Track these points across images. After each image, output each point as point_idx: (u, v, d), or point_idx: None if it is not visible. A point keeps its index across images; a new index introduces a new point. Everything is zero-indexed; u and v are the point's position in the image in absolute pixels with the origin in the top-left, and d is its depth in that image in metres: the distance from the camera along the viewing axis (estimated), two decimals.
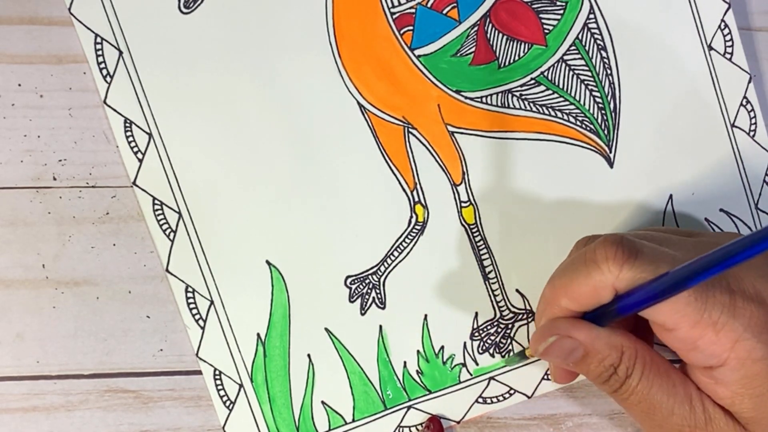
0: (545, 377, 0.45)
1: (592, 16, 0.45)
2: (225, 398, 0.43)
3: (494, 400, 0.45)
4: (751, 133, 0.46)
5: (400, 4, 0.44)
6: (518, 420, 0.46)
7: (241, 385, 0.43)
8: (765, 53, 0.47)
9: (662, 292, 0.34)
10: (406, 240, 0.44)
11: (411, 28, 0.44)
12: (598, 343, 0.38)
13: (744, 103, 0.46)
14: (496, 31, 0.44)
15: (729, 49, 0.45)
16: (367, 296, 0.44)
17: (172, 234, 0.43)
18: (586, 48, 0.45)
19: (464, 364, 0.45)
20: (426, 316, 0.44)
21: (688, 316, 0.35)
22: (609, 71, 0.45)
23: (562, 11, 0.44)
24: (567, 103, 0.45)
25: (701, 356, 0.36)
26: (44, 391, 0.43)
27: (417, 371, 0.44)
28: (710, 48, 0.45)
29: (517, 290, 0.45)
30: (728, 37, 0.45)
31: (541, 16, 0.44)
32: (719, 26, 0.45)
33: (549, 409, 0.45)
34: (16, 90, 0.43)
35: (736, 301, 0.35)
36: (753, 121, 0.46)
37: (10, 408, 0.43)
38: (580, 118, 0.45)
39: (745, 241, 0.31)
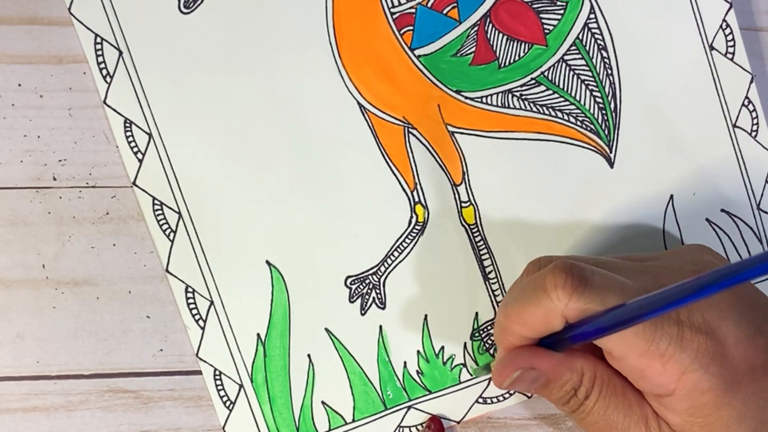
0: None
1: (592, 15, 0.45)
2: (225, 398, 0.44)
3: (494, 400, 0.46)
4: (753, 134, 0.46)
5: (400, 4, 0.44)
6: (518, 420, 0.47)
7: (241, 386, 0.44)
8: None
9: (612, 326, 0.36)
10: (407, 240, 0.45)
11: (411, 28, 0.44)
12: (558, 369, 0.39)
13: (746, 103, 0.46)
14: (497, 31, 0.45)
15: (731, 49, 0.46)
16: (367, 296, 0.45)
17: (172, 234, 0.44)
18: (587, 48, 0.45)
19: (464, 365, 0.45)
20: (426, 316, 0.45)
21: (636, 345, 0.36)
22: (609, 71, 0.45)
23: (562, 11, 0.45)
24: (567, 103, 0.45)
25: (649, 385, 0.37)
26: (44, 391, 0.44)
27: (417, 371, 0.45)
28: (712, 48, 0.46)
29: None
30: (730, 37, 0.46)
31: (542, 16, 0.45)
32: (720, 26, 0.46)
33: (549, 409, 0.46)
34: (16, 90, 0.44)
35: (684, 333, 0.36)
36: (755, 121, 0.46)
37: (10, 408, 0.44)
38: (580, 118, 0.45)
39: (692, 284, 0.32)
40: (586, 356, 0.39)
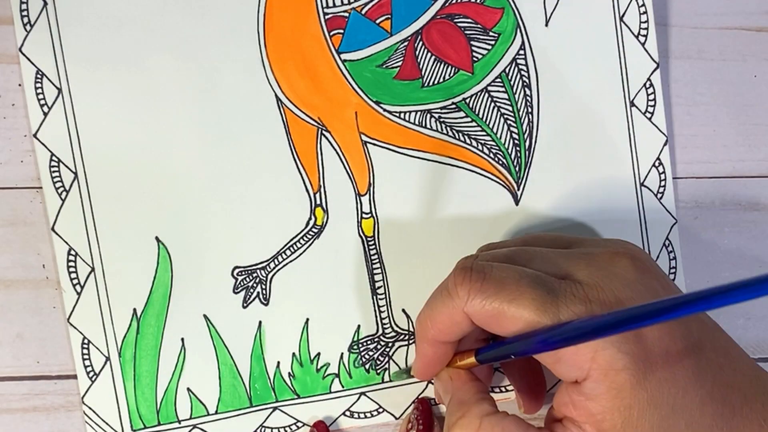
0: (414, 402, 0.46)
1: (522, 52, 0.46)
2: (89, 369, 0.44)
3: (362, 415, 0.46)
4: (659, 195, 0.47)
5: (334, 6, 0.45)
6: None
7: (108, 359, 0.44)
8: (765, 54, 0.49)
9: (546, 345, 0.36)
10: (301, 241, 0.45)
11: (341, 31, 0.45)
12: (451, 394, 0.41)
13: (656, 164, 0.47)
14: (426, 50, 0.45)
15: (650, 109, 0.47)
16: (252, 290, 0.45)
17: (64, 193, 0.44)
18: (512, 83, 0.46)
19: (338, 375, 0.45)
20: (308, 320, 0.45)
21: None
22: (530, 109, 0.46)
23: (493, 42, 0.46)
24: (484, 133, 0.46)
25: (565, 368, 0.37)
26: (44, 391, 0.45)
27: (289, 374, 0.45)
28: (632, 104, 0.47)
29: (403, 310, 0.46)
30: (651, 97, 0.47)
31: (473, 43, 0.46)
32: (644, 84, 0.47)
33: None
34: (16, 90, 0.45)
35: (593, 311, 0.37)
36: (662, 183, 0.48)
37: (10, 408, 0.45)
38: (494, 151, 0.46)
39: (604, 319, 0.34)
40: (479, 400, 0.40)
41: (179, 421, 0.45)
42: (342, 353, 0.46)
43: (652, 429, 0.36)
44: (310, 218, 0.46)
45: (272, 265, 0.46)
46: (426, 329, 0.40)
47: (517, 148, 0.47)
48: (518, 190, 0.47)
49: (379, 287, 0.46)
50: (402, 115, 0.46)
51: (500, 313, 0.37)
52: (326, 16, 0.45)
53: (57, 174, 0.44)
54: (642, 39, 0.47)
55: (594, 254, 0.40)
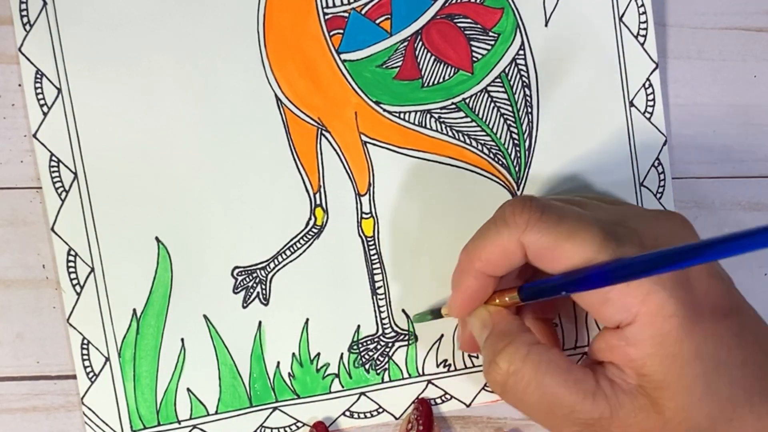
0: (413, 402, 0.46)
1: (521, 52, 0.46)
2: (89, 369, 0.44)
3: (362, 415, 0.46)
4: (658, 195, 0.48)
5: (334, 6, 0.45)
6: (518, 420, 0.49)
7: (107, 359, 0.44)
8: (765, 54, 0.50)
9: (612, 278, 0.35)
10: (301, 241, 0.45)
11: (341, 31, 0.45)
12: (493, 325, 0.40)
13: (656, 164, 0.48)
14: (425, 50, 0.46)
15: (650, 109, 0.48)
16: (251, 290, 0.45)
17: (64, 194, 0.44)
18: (511, 83, 0.46)
19: (338, 375, 0.46)
20: (308, 320, 0.46)
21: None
22: (530, 110, 0.47)
23: (493, 42, 0.46)
24: (483, 133, 0.46)
25: (612, 310, 0.37)
26: (44, 391, 0.45)
27: (289, 374, 0.45)
28: (631, 104, 0.47)
29: (403, 310, 0.47)
30: (651, 97, 0.48)
31: (472, 43, 0.46)
32: (644, 84, 0.48)
33: None
34: (16, 90, 0.45)
35: None
36: (661, 183, 0.48)
37: (10, 408, 0.45)
38: (494, 151, 0.46)
39: (691, 247, 0.33)
40: (523, 332, 0.40)
41: (179, 422, 0.45)
42: (342, 353, 0.47)
43: (695, 381, 0.36)
44: (310, 218, 0.46)
45: (272, 265, 0.46)
46: (473, 260, 0.40)
47: (517, 149, 0.48)
48: (518, 190, 0.48)
49: (379, 287, 0.47)
50: (402, 115, 0.47)
51: (557, 247, 0.37)
52: (326, 16, 0.46)
53: (57, 174, 0.44)
54: (641, 39, 0.48)
55: (643, 210, 0.41)
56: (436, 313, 0.46)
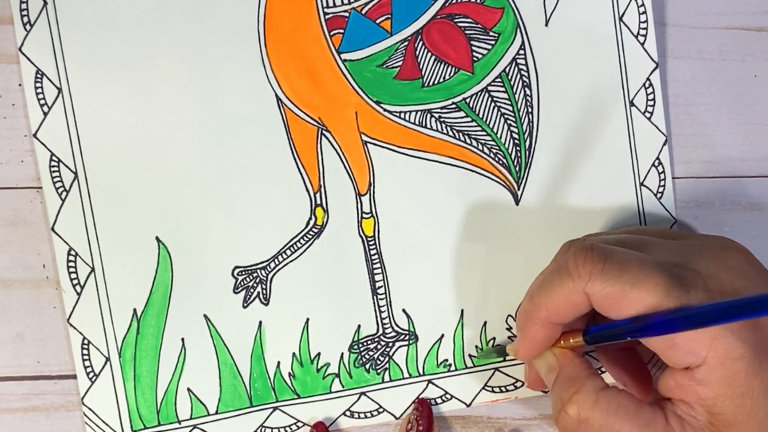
0: (414, 402, 0.47)
1: (522, 52, 0.47)
2: (89, 369, 0.45)
3: (362, 415, 0.47)
4: (658, 195, 0.49)
5: (334, 5, 0.46)
6: (518, 420, 0.49)
7: (108, 359, 0.45)
8: (764, 54, 0.51)
9: (679, 325, 0.37)
10: (301, 240, 0.46)
11: (342, 31, 0.46)
12: (560, 369, 0.41)
13: (656, 164, 0.48)
14: (426, 50, 0.46)
15: (650, 108, 0.48)
16: (252, 290, 0.46)
17: (64, 193, 0.45)
18: (512, 83, 0.47)
19: (338, 375, 0.46)
20: (308, 320, 0.46)
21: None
22: (530, 109, 0.47)
23: (493, 42, 0.47)
24: (484, 133, 0.47)
25: (680, 354, 0.38)
26: (44, 391, 0.46)
27: (289, 374, 0.46)
28: (631, 104, 0.48)
29: (403, 310, 0.47)
30: (651, 97, 0.48)
31: (473, 43, 0.47)
32: (644, 84, 0.48)
33: (549, 409, 0.49)
34: (16, 90, 0.46)
35: (714, 299, 0.38)
36: (662, 183, 0.49)
37: (10, 408, 0.46)
38: (494, 151, 0.47)
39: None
40: (592, 377, 0.41)
41: (179, 422, 0.46)
42: (342, 353, 0.47)
43: (766, 418, 0.38)
44: (310, 218, 0.47)
45: (272, 264, 0.47)
46: (538, 310, 0.41)
47: (518, 148, 0.48)
48: (518, 190, 0.48)
49: (379, 287, 0.47)
50: (402, 115, 0.47)
51: (623, 296, 0.38)
52: (326, 16, 0.46)
53: (57, 174, 0.45)
54: (641, 39, 0.48)
55: (706, 247, 0.41)
56: (501, 352, 0.47)
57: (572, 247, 0.40)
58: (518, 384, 0.48)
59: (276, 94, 0.46)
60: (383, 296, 0.48)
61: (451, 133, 0.48)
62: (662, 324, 0.37)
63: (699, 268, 0.39)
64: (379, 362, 0.48)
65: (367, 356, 0.48)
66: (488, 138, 0.48)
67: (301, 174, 0.47)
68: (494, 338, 0.48)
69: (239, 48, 0.46)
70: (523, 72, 0.48)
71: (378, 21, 0.47)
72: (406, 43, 0.47)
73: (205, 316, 0.46)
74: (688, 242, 0.43)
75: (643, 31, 0.49)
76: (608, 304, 0.39)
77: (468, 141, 0.48)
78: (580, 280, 0.39)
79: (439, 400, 0.48)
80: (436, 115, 0.48)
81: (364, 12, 0.47)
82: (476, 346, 0.48)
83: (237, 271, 0.46)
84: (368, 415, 0.48)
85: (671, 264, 0.40)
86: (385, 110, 0.47)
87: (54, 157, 0.45)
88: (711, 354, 0.37)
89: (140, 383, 0.46)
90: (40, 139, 0.45)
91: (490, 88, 0.48)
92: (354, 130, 0.47)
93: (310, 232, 0.47)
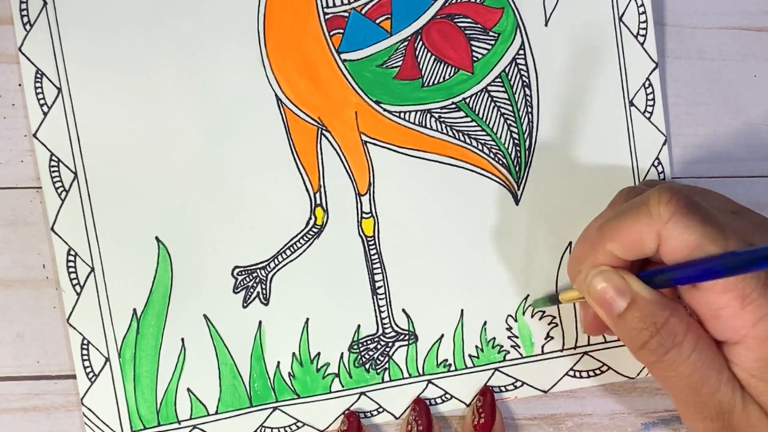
0: (412, 402, 0.47)
1: (522, 52, 0.48)
2: (89, 369, 0.45)
3: (362, 415, 0.47)
4: None
5: (334, 5, 0.46)
6: (518, 420, 0.50)
7: (107, 359, 0.45)
8: (764, 54, 0.51)
9: (728, 270, 0.35)
10: (301, 240, 0.46)
11: (341, 31, 0.46)
12: (647, 294, 0.39)
13: (656, 164, 0.49)
14: (425, 50, 0.47)
15: (650, 108, 0.49)
16: (252, 290, 0.46)
17: (64, 193, 0.45)
18: (512, 83, 0.47)
19: (338, 375, 0.47)
20: (308, 320, 0.47)
21: (721, 280, 0.37)
22: (530, 109, 0.48)
23: (493, 42, 0.47)
24: (484, 133, 0.47)
25: (721, 327, 0.38)
26: (44, 391, 0.47)
27: (289, 374, 0.46)
28: (631, 104, 0.48)
29: (403, 310, 0.47)
30: (650, 97, 0.49)
31: (472, 43, 0.47)
32: (643, 84, 0.49)
33: (549, 409, 0.49)
34: (16, 90, 0.46)
35: None
36: None
37: (11, 408, 0.46)
38: (494, 150, 0.47)
39: None
40: (678, 305, 0.39)
41: (179, 422, 0.46)
42: (342, 353, 0.48)
43: None
44: (310, 218, 0.47)
45: (272, 264, 0.47)
46: (605, 238, 0.40)
47: (517, 148, 0.49)
48: (518, 190, 0.49)
49: (379, 287, 0.48)
50: (402, 115, 0.48)
51: (700, 247, 0.37)
52: (326, 16, 0.47)
53: (57, 174, 0.45)
54: (641, 39, 0.49)
55: (760, 224, 0.41)
56: (554, 299, 0.46)
57: (659, 187, 0.39)
58: (518, 384, 0.49)
59: (276, 94, 0.47)
60: (383, 296, 0.48)
61: (451, 133, 0.48)
62: (724, 267, 0.35)
63: (757, 243, 0.38)
64: (378, 362, 0.48)
65: (366, 356, 0.48)
66: (488, 138, 0.48)
67: (301, 174, 0.47)
68: (494, 338, 0.48)
69: (239, 48, 0.46)
70: (522, 72, 0.49)
71: (378, 21, 0.47)
72: (405, 43, 0.47)
73: (205, 316, 0.47)
74: (747, 217, 0.42)
75: (642, 31, 0.49)
76: (679, 251, 0.38)
77: (468, 141, 0.48)
78: (659, 218, 0.38)
79: (438, 400, 0.49)
80: (436, 115, 0.48)
81: (363, 12, 0.47)
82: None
83: (237, 270, 0.47)
84: (368, 415, 0.48)
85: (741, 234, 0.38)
86: (385, 110, 0.48)
87: (54, 157, 0.45)
88: (752, 333, 0.37)
89: (140, 383, 0.46)
90: (39, 139, 0.45)
91: (489, 88, 0.48)
92: (354, 130, 0.47)
93: (310, 232, 0.47)
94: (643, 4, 0.49)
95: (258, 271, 0.47)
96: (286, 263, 0.47)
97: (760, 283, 0.37)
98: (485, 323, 0.49)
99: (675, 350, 0.39)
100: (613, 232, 0.40)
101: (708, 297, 0.38)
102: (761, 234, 0.40)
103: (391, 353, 0.48)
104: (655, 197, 0.38)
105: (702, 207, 0.38)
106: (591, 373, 0.49)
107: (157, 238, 0.46)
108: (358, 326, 0.48)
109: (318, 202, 0.47)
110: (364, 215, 0.48)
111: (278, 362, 0.47)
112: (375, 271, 0.48)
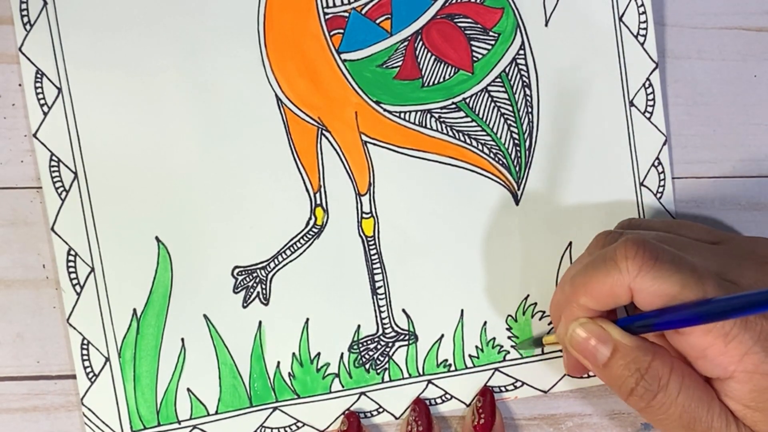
0: (412, 402, 0.47)
1: (522, 52, 0.48)
2: (89, 369, 0.45)
3: (362, 415, 0.48)
4: (658, 195, 0.49)
5: (334, 5, 0.46)
6: (518, 420, 0.50)
7: (107, 359, 0.45)
8: (764, 54, 0.52)
9: (702, 318, 0.37)
10: (301, 240, 0.47)
11: (342, 31, 0.46)
12: (628, 341, 0.40)
13: (656, 164, 0.49)
14: (426, 50, 0.47)
15: (650, 108, 0.49)
16: (252, 290, 0.46)
17: (64, 193, 0.45)
18: (512, 83, 0.48)
19: (338, 375, 0.47)
20: (308, 320, 0.47)
21: None
22: (530, 109, 0.48)
23: (493, 42, 0.47)
24: (484, 133, 0.48)
25: (709, 366, 0.39)
26: (44, 391, 0.47)
27: (289, 374, 0.47)
28: (631, 104, 0.49)
29: (403, 310, 0.48)
30: (650, 97, 0.49)
31: (472, 43, 0.47)
32: (644, 84, 0.49)
33: (549, 409, 0.50)
34: (16, 90, 0.46)
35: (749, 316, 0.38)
36: (662, 183, 0.49)
37: (11, 408, 0.47)
38: (494, 151, 0.48)
39: None
40: (661, 347, 0.41)
41: (179, 422, 0.47)
42: (342, 353, 0.48)
43: None
44: (310, 218, 0.48)
45: (272, 264, 0.47)
46: (578, 293, 0.41)
47: (518, 148, 0.49)
48: (518, 190, 0.49)
49: (379, 287, 0.48)
50: (402, 115, 0.48)
51: (670, 296, 0.38)
52: (326, 16, 0.47)
53: (57, 174, 0.45)
54: (641, 39, 0.49)
55: (745, 256, 0.42)
56: (537, 343, 0.48)
57: (623, 239, 0.40)
58: (518, 384, 0.49)
59: (276, 94, 0.47)
60: (383, 296, 0.48)
61: (451, 133, 0.48)
62: (686, 318, 0.37)
63: (738, 280, 0.40)
64: (378, 362, 0.48)
65: (366, 356, 0.48)
66: (488, 138, 0.49)
67: (301, 174, 0.47)
68: (494, 338, 0.49)
69: (239, 48, 0.47)
70: (523, 72, 0.49)
71: (378, 21, 0.47)
72: (406, 43, 0.48)
73: (205, 316, 0.47)
74: (728, 248, 0.43)
75: (642, 31, 0.49)
76: (653, 301, 0.39)
77: (468, 141, 0.48)
78: (627, 274, 0.39)
79: (438, 400, 0.49)
80: (436, 115, 0.48)
81: (364, 12, 0.47)
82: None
83: (237, 270, 0.47)
84: (368, 415, 0.48)
85: (714, 273, 0.40)
86: (385, 110, 0.48)
87: (54, 157, 0.45)
88: (740, 368, 0.38)
89: (140, 383, 0.46)
90: (40, 139, 0.45)
91: (490, 88, 0.49)
92: (354, 130, 0.48)
93: (310, 232, 0.48)
94: (643, 4, 0.49)
95: (258, 271, 0.47)
96: (286, 263, 0.47)
97: (739, 320, 0.38)
98: (485, 323, 0.49)
99: (662, 393, 0.40)
100: (585, 288, 0.41)
101: (690, 340, 0.39)
102: (742, 268, 0.41)
103: (391, 353, 0.48)
104: (621, 251, 0.39)
105: (670, 254, 0.39)
106: (591, 373, 0.49)
107: (157, 238, 0.46)
108: (358, 326, 0.48)
109: (318, 202, 0.48)
110: (364, 215, 0.48)
111: (278, 362, 0.47)
112: (375, 271, 0.48)
